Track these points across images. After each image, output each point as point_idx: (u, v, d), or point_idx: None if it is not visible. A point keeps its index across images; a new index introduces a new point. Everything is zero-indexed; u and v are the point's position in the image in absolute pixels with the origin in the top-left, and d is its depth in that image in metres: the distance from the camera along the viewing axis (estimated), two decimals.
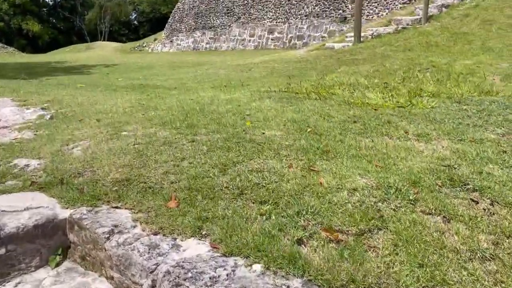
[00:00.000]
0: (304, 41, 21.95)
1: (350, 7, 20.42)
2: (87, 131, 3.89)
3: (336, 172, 2.73)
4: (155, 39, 34.53)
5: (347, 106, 4.65)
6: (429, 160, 2.97)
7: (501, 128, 3.83)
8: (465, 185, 2.61)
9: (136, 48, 35.24)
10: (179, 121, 3.94)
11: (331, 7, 21.35)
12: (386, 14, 18.71)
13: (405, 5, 18.04)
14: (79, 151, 3.34)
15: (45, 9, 59.44)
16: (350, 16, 20.42)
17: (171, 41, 31.16)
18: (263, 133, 3.51)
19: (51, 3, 60.41)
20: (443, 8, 11.43)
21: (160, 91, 6.33)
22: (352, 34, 12.19)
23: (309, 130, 3.58)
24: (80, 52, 38.96)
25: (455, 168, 2.82)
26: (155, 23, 57.90)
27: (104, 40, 57.61)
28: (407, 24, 11.63)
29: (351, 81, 6.73)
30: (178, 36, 30.91)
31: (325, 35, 20.87)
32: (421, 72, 7.59)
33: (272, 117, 4.07)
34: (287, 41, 22.87)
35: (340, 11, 20.86)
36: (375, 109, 4.51)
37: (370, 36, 11.15)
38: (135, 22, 62.07)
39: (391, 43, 10.30)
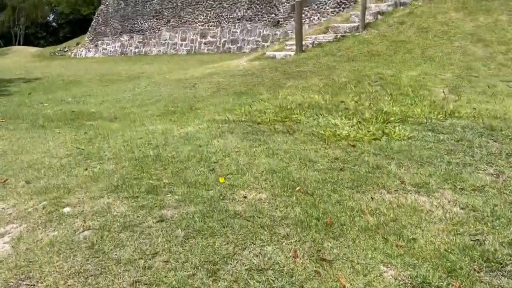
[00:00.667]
0: (238, 45, 21.39)
1: (282, 11, 20.21)
2: (16, 203, 2.97)
3: (353, 261, 2.17)
4: (77, 43, 32.02)
5: (322, 142, 4.14)
6: (446, 227, 2.52)
7: (491, 166, 3.53)
8: (503, 266, 2.18)
9: (57, 53, 32.48)
10: (135, 182, 3.16)
11: (263, 11, 20.99)
12: (318, 19, 18.73)
13: (336, 10, 18.16)
14: (8, 244, 2.46)
15: None
16: (282, 20, 20.21)
17: (96, 46, 29.05)
18: (245, 197, 2.86)
19: None
20: (379, 15, 11.44)
21: (98, 124, 5.38)
22: (292, 42, 11.82)
23: (297, 188, 2.99)
24: None
25: (483, 242, 2.38)
26: (76, 25, 53.97)
27: (19, 44, 52.65)
28: (345, 32, 11.49)
29: (308, 100, 6.27)
30: (103, 40, 28.87)
31: (259, 39, 20.49)
32: (371, 85, 7.35)
33: (245, 165, 3.43)
34: (220, 45, 22.16)
35: (273, 15, 20.56)
36: (353, 145, 4.04)
37: (310, 45, 10.83)
38: (54, 24, 57.49)
39: (334, 52, 10.05)
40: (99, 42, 29.02)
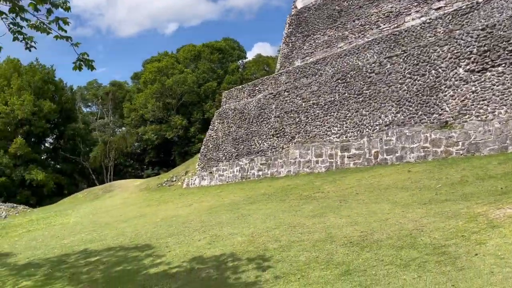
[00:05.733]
0: (397, 155, 17.55)
1: (448, 108, 16.52)
2: None
3: None
4: (186, 172, 29.73)
5: None
6: None
7: None
8: None
9: (164, 184, 30.17)
10: None
11: (420, 112, 17.40)
12: None
13: None
14: None
15: (45, 154, 54.60)
16: (452, 119, 16.42)
17: (211, 173, 26.37)
18: None
19: (51, 147, 55.85)
20: None
21: None
22: None
23: None
24: (98, 199, 32.88)
25: None
26: (160, 148, 53.81)
27: (110, 175, 52.48)
28: None
29: None
30: (218, 166, 26.22)
31: (428, 145, 16.58)
32: None
33: None
34: (371, 157, 18.44)
35: (435, 115, 16.87)
36: None
37: None
38: (138, 150, 57.85)
39: None
40: (214, 168, 26.38)
